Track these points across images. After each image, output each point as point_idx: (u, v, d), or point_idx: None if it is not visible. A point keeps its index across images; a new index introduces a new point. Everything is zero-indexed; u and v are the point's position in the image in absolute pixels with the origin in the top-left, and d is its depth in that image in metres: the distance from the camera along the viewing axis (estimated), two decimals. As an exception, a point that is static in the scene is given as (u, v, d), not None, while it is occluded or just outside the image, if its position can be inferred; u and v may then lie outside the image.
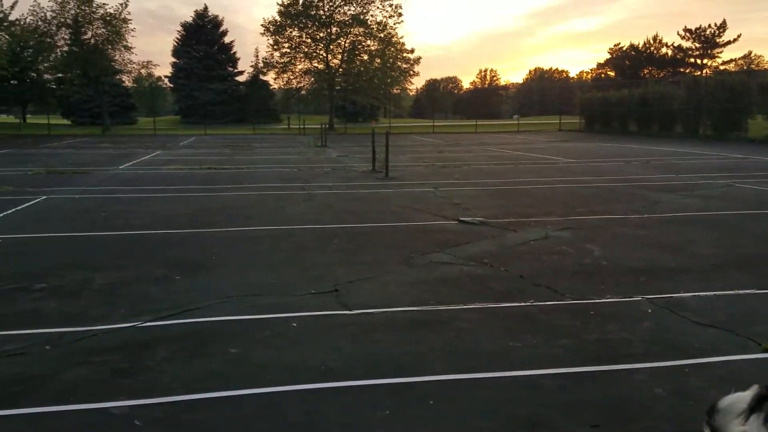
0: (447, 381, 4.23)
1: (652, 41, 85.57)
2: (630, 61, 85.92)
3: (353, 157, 25.06)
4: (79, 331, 5.15)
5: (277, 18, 59.66)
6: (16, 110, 69.81)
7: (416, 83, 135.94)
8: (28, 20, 50.94)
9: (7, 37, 45.87)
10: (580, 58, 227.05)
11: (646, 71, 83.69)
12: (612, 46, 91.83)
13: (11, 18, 44.30)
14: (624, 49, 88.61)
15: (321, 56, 61.69)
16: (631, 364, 4.57)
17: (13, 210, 11.37)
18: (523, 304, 5.93)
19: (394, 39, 61.57)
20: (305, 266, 7.41)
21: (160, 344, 4.88)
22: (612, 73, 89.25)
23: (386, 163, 17.80)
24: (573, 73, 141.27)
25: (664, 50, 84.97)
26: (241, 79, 76.73)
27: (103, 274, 6.94)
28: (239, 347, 4.84)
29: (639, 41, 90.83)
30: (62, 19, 50.80)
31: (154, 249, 8.34)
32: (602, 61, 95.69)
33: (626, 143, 32.90)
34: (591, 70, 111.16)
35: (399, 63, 62.90)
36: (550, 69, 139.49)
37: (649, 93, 43.33)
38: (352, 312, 5.69)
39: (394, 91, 73.79)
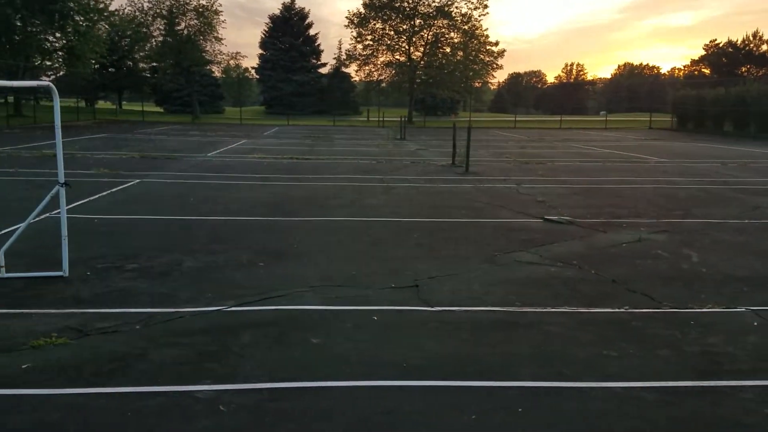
0: (536, 388, 4.02)
1: (751, 38, 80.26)
2: (727, 59, 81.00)
3: (432, 150, 24.85)
4: (168, 312, 5.27)
5: (362, 10, 60.05)
6: (113, 97, 73.73)
7: (498, 77, 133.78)
8: (126, 10, 53.74)
9: (106, 26, 48.44)
10: (672, 54, 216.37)
11: (744, 69, 78.71)
12: (708, 43, 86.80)
13: (111, 8, 46.69)
14: (721, 45, 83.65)
15: (403, 49, 61.60)
16: (737, 380, 4.22)
17: (109, 192, 11.92)
18: (616, 310, 5.60)
19: (477, 31, 60.62)
20: (385, 259, 7.34)
21: (244, 329, 4.92)
22: (707, 71, 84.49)
23: (467, 158, 17.50)
24: (664, 70, 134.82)
25: (765, 47, 79.55)
26: (323, 71, 77.88)
27: (191, 258, 7.12)
28: (321, 337, 4.80)
29: (737, 38, 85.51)
30: (158, 10, 53.17)
31: (239, 235, 8.50)
32: (697, 58, 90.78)
33: (721, 144, 31.02)
34: (684, 66, 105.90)
35: (482, 56, 61.86)
36: (640, 65, 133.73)
37: (747, 92, 40.60)
38: (433, 309, 5.55)
39: (476, 84, 72.70)
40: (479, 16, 60.46)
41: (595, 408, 3.79)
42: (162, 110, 68.58)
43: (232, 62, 60.67)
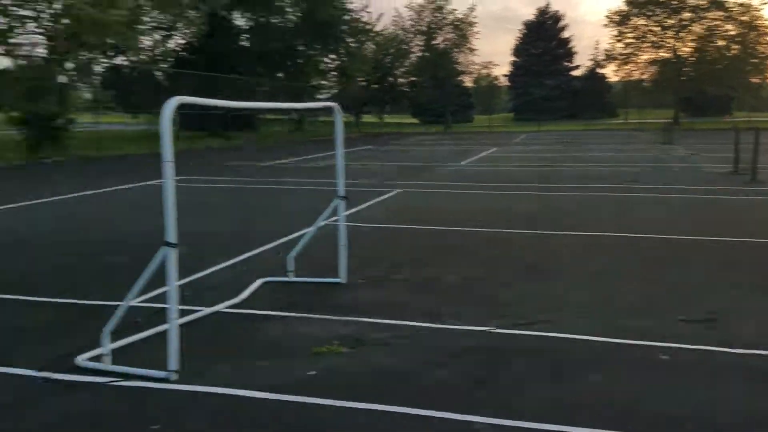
0: None
1: None
2: None
3: (705, 156, 22.22)
4: (434, 329, 5.23)
5: (623, 8, 56.60)
6: (375, 110, 79.82)
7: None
8: (389, 30, 57.80)
9: (373, 46, 52.59)
10: None
11: None
12: None
13: (376, 29, 50.59)
14: None
15: (668, 45, 56.47)
16: None
17: (375, 201, 12.66)
18: None
19: (757, 22, 53.04)
20: (665, 283, 6.51)
21: (513, 356, 4.64)
22: None
23: (754, 165, 15.18)
24: None
25: None
26: (576, 73, 75.01)
27: (451, 270, 7.08)
28: (599, 375, 4.31)
29: None
30: (418, 27, 56.19)
31: (498, 248, 8.31)
32: None
33: None
34: None
35: (762, 48, 53.94)
36: None
37: None
38: (736, 351, 4.68)
39: (755, 80, 63.59)
40: (760, 4, 52.95)
41: None
42: (417, 121, 72.28)
43: (483, 71, 61.60)
